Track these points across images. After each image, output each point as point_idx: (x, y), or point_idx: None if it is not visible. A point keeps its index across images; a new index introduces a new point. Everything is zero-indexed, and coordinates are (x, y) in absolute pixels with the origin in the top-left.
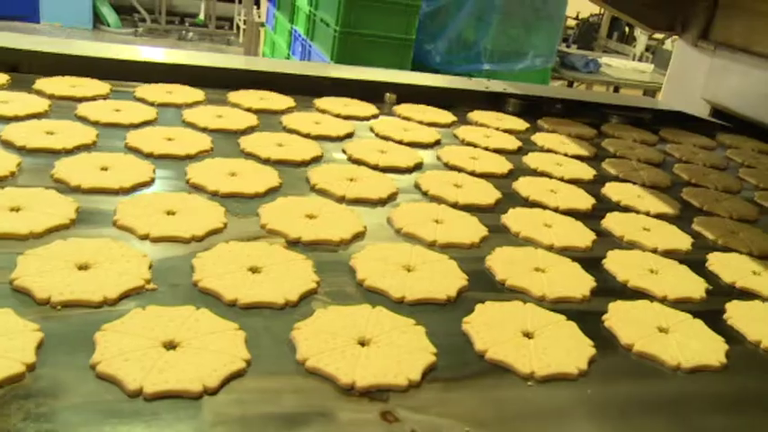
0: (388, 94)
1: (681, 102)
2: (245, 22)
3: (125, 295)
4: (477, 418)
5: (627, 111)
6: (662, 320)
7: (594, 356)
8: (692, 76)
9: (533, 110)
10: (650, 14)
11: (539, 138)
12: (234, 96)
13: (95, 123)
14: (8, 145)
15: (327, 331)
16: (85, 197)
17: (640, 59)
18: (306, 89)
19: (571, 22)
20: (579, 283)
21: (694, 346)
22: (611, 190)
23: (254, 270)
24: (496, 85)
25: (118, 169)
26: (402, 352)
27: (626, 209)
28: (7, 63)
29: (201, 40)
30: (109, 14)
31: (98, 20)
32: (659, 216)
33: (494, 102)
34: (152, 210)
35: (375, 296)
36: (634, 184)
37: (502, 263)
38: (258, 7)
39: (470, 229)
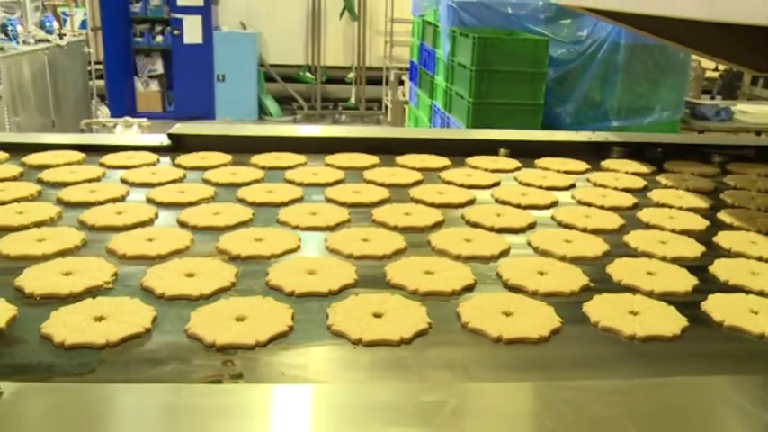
0: (501, 150)
1: None
2: (391, 102)
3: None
4: (294, 366)
5: (729, 149)
6: (508, 306)
7: (426, 330)
8: None
9: (637, 156)
10: (752, 57)
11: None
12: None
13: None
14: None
15: (219, 312)
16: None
17: None
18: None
19: (712, 74)
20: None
21: (523, 323)
22: None
23: None
24: (598, 136)
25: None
26: (263, 324)
27: None
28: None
29: (353, 122)
30: (271, 105)
31: (262, 111)
32: None
33: (596, 151)
34: None
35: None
36: None
37: None
38: (402, 86)
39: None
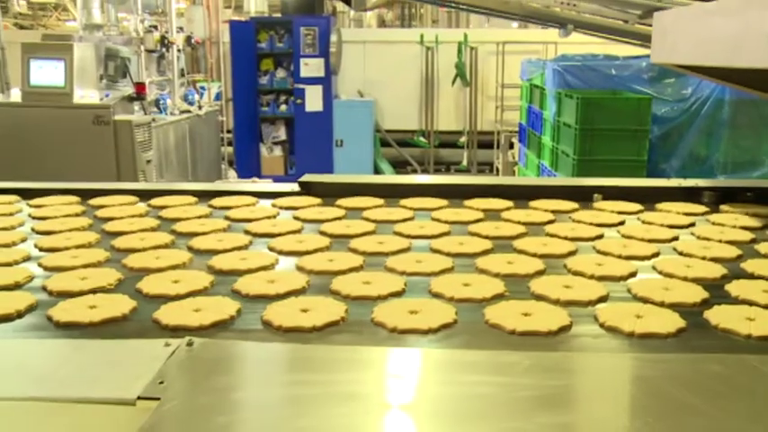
0: (595, 195)
1: None
2: (501, 164)
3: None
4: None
5: None
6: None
7: (340, 321)
8: None
9: (727, 199)
10: None
11: None
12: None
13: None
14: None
15: (186, 307)
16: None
17: None
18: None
19: None
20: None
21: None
22: None
23: None
24: (688, 182)
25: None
26: (214, 313)
27: None
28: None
29: None
30: (386, 169)
31: (377, 173)
32: None
33: (687, 196)
34: None
35: None
36: None
37: None
38: (512, 148)
39: None
